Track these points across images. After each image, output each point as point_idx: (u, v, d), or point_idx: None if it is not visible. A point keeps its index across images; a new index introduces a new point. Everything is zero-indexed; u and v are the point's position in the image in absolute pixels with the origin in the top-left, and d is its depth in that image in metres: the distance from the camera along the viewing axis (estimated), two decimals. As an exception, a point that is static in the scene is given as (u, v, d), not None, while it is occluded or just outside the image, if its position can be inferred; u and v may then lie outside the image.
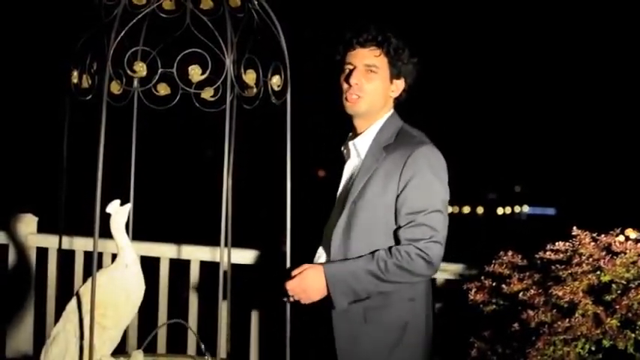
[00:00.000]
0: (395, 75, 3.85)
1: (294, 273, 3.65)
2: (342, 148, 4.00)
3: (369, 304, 3.69)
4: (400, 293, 3.72)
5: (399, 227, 3.68)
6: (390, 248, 3.66)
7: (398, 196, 3.70)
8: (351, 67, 3.82)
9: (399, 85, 3.89)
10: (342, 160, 4.02)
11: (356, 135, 3.92)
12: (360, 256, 3.68)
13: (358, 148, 3.88)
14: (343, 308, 3.66)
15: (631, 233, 3.52)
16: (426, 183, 3.69)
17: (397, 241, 3.70)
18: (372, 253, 3.67)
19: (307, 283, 3.64)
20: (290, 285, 3.64)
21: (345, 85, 3.83)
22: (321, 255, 3.91)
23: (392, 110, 3.94)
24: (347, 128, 3.98)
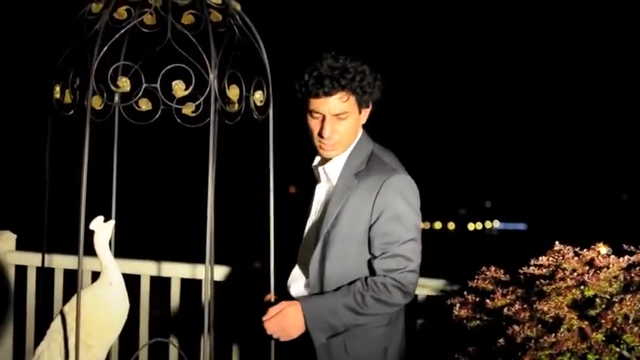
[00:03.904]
0: (364, 106, 3.78)
1: (273, 312, 3.62)
2: (313, 169, 3.99)
3: (348, 335, 3.69)
4: (377, 320, 3.74)
5: (374, 257, 3.69)
6: (366, 280, 3.66)
7: (371, 226, 3.69)
8: (318, 115, 3.71)
9: (368, 110, 3.84)
10: (313, 179, 4.02)
11: (325, 160, 3.89)
12: (337, 289, 3.69)
13: (329, 174, 3.85)
14: (322, 343, 3.66)
15: (602, 248, 3.53)
16: (399, 213, 3.68)
17: (371, 271, 3.71)
18: (349, 285, 3.67)
19: (286, 322, 3.62)
20: (268, 324, 3.62)
21: (315, 133, 3.75)
22: (295, 278, 3.90)
23: (361, 131, 3.89)
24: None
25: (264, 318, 3.61)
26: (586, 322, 3.26)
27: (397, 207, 3.67)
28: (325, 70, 3.64)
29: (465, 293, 3.68)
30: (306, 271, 3.84)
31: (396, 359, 3.84)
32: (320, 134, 3.72)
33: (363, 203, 3.70)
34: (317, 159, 3.96)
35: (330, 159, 3.85)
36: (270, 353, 3.44)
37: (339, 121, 3.71)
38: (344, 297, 3.62)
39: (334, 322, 3.63)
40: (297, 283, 3.89)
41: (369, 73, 3.72)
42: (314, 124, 3.74)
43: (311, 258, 3.77)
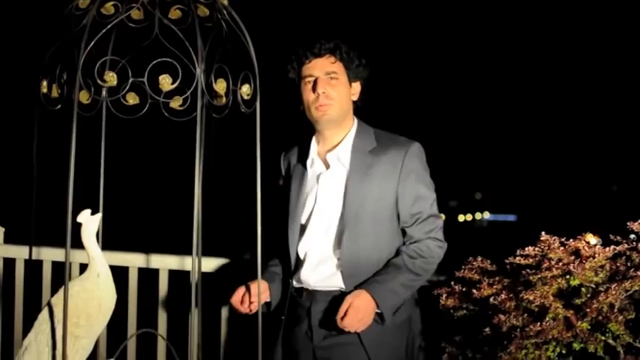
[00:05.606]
0: (352, 78, 3.99)
1: (342, 309, 3.74)
2: (309, 161, 4.04)
3: None
4: None
5: (409, 225, 3.93)
6: (409, 248, 3.91)
7: (399, 195, 3.92)
8: (311, 78, 3.92)
9: (357, 87, 4.04)
10: (298, 170, 4.13)
11: (329, 146, 4.02)
12: (387, 268, 3.89)
13: (341, 157, 3.97)
14: (390, 321, 3.84)
15: (590, 238, 3.54)
16: (423, 177, 3.98)
17: (406, 236, 3.96)
18: (395, 262, 3.89)
19: (362, 313, 3.75)
20: (347, 322, 3.73)
21: (311, 97, 3.93)
22: (315, 264, 3.99)
23: (355, 118, 4.08)
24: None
25: (338, 317, 3.74)
26: (571, 311, 3.28)
27: (420, 172, 3.97)
28: (314, 40, 3.94)
29: (452, 283, 3.71)
30: (331, 254, 3.95)
31: (418, 328, 4.05)
32: (314, 90, 3.91)
33: (388, 176, 3.91)
34: (313, 148, 4.08)
35: (333, 148, 4.01)
36: (258, 343, 3.45)
37: (331, 82, 3.92)
38: (399, 274, 3.85)
39: (399, 300, 3.86)
40: (323, 267, 3.97)
41: (356, 51, 3.99)
42: (308, 90, 3.94)
43: (342, 239, 3.89)
